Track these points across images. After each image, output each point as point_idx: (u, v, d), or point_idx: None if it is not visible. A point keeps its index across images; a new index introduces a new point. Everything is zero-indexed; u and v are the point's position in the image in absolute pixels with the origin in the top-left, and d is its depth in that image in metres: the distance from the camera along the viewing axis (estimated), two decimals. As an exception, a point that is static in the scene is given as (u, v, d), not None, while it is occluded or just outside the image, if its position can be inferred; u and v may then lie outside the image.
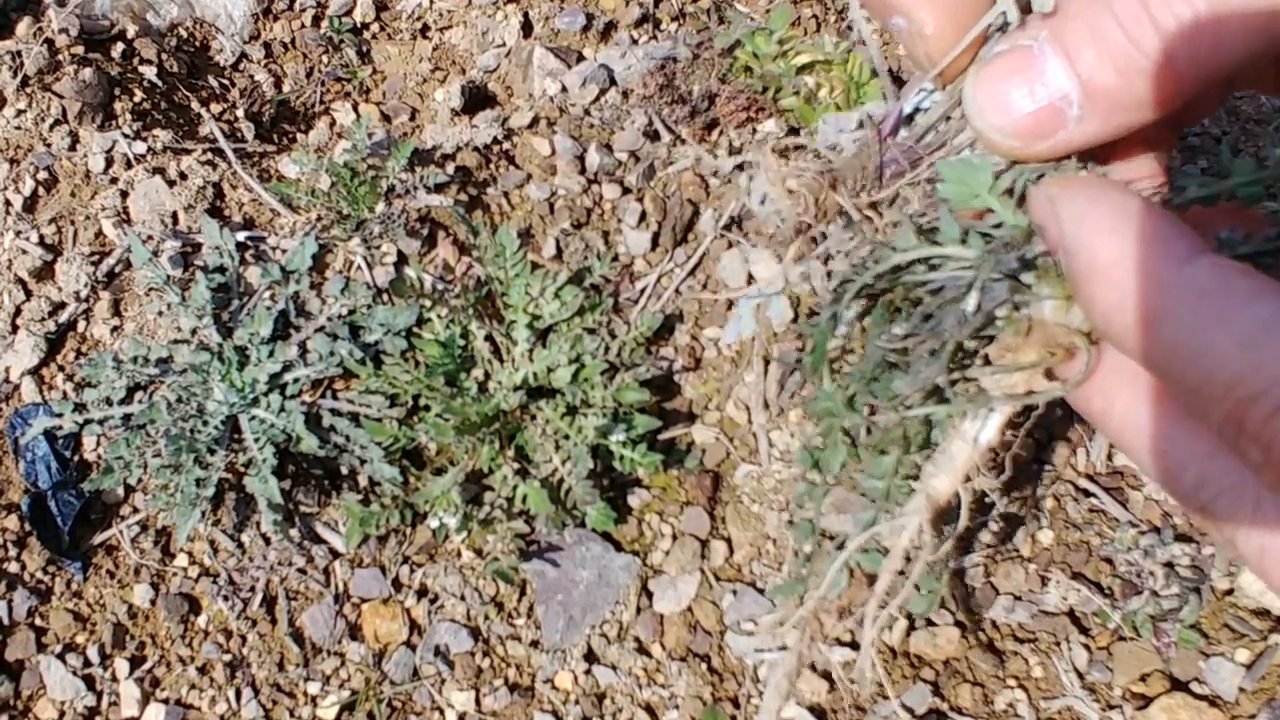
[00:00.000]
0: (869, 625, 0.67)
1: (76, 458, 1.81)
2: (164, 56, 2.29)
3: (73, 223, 1.97)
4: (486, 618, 1.74)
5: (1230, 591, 1.64)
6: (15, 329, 1.88)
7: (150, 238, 1.94)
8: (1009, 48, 0.53)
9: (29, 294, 1.91)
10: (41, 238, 1.94)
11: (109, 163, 2.03)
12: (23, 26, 2.16)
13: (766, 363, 1.82)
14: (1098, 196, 0.49)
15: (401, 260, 1.96)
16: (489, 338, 1.80)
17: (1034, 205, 0.52)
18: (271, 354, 1.80)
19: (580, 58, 2.28)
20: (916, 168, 0.64)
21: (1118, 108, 0.50)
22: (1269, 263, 0.53)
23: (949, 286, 0.56)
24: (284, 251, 1.96)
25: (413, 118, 2.33)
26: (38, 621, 1.71)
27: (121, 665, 1.69)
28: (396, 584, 1.76)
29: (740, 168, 2.03)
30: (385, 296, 1.91)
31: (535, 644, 1.72)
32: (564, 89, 2.19)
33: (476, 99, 2.25)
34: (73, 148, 2.04)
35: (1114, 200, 0.49)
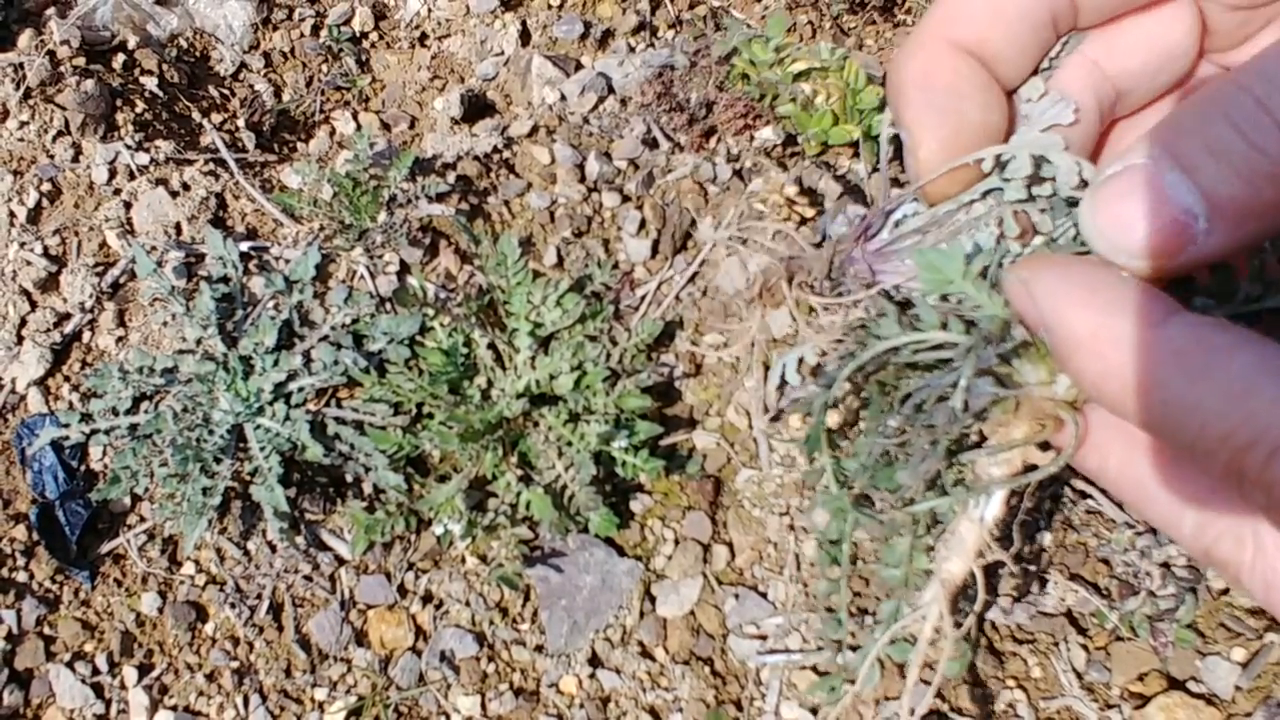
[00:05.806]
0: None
1: (83, 468, 1.82)
2: (165, 67, 2.31)
3: (77, 234, 1.99)
4: (491, 623, 1.76)
5: (1226, 591, 1.66)
6: (21, 340, 1.89)
7: (154, 248, 1.95)
8: (1121, 168, 0.50)
9: (34, 305, 1.92)
10: (46, 249, 1.96)
11: (112, 174, 2.04)
12: (24, 38, 2.17)
13: (766, 368, 1.84)
14: (1067, 273, 0.50)
15: (404, 269, 1.97)
16: (491, 346, 1.82)
17: (1009, 290, 0.53)
18: (276, 363, 1.82)
19: (579, 66, 2.30)
20: (879, 275, 0.65)
21: (1248, 217, 0.48)
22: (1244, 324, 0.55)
23: (933, 385, 0.58)
24: (287, 261, 1.98)
25: (412, 126, 2.35)
26: (46, 630, 1.73)
27: (130, 673, 1.71)
28: (402, 590, 1.78)
29: (739, 174, 2.05)
30: (388, 305, 1.93)
31: (540, 649, 1.74)
32: (563, 97, 2.21)
33: (476, 108, 2.27)
34: (76, 159, 2.06)
35: (1084, 273, 0.49)
